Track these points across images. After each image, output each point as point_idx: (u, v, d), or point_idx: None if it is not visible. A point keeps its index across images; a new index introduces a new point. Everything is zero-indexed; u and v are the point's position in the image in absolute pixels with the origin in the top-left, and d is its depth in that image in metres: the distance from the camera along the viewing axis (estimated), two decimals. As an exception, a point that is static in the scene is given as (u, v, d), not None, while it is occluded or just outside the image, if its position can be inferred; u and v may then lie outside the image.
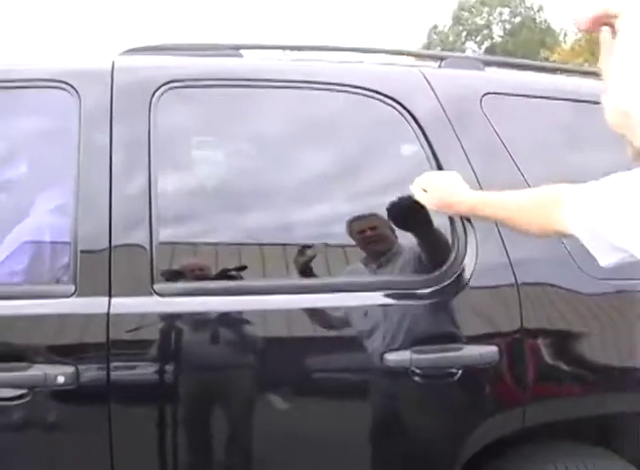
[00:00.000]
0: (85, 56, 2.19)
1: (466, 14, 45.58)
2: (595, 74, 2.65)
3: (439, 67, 2.21)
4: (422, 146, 1.98)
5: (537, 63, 2.63)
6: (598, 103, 2.13)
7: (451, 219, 1.94)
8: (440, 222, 1.96)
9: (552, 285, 1.95)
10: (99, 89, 1.92)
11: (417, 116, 1.99)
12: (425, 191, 1.85)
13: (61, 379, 1.72)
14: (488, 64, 2.32)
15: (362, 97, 2.01)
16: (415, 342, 1.86)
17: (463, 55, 2.48)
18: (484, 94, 2.06)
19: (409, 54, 2.38)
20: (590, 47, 31.55)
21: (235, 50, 2.13)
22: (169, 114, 1.93)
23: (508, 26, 45.64)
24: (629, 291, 2.00)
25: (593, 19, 1.04)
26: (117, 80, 1.94)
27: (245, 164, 2.05)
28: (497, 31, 46.32)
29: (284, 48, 2.33)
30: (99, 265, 1.79)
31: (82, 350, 1.78)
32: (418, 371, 1.83)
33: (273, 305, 1.85)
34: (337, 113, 2.05)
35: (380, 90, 2.01)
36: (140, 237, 1.82)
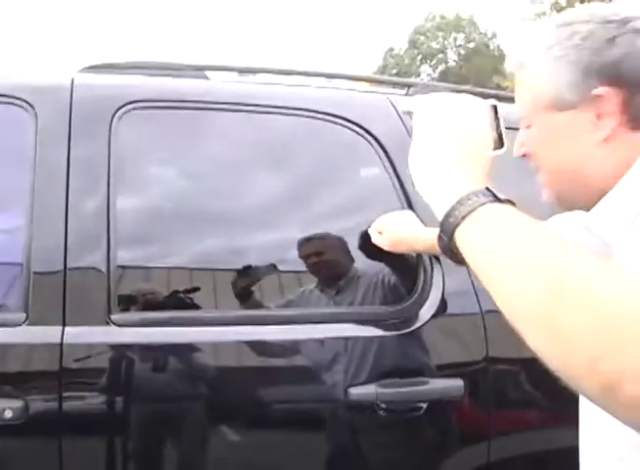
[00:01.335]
0: (43, 71, 2.11)
1: (421, 38, 46.33)
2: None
3: (407, 94, 2.19)
4: (387, 171, 1.96)
5: (498, 92, 2.63)
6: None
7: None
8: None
9: None
10: (57, 106, 1.85)
11: (383, 142, 1.97)
12: (380, 233, 1.86)
13: (8, 413, 1.63)
14: (455, 92, 2.31)
15: (329, 123, 1.98)
16: (380, 375, 1.82)
17: (431, 83, 2.47)
18: None
19: (374, 80, 2.36)
20: (542, 74, 32.30)
21: (200, 71, 2.08)
22: (130, 134, 1.87)
23: (462, 52, 46.53)
24: None
25: None
26: (77, 98, 1.87)
27: (205, 187, 1.99)
28: (452, 56, 47.21)
29: (249, 71, 2.29)
30: (52, 292, 1.71)
31: (32, 382, 1.70)
32: (383, 405, 1.79)
33: (233, 336, 1.80)
34: (300, 137, 2.02)
35: (346, 117, 1.98)
36: (97, 260, 1.75)
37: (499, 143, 0.92)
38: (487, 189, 0.79)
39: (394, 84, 2.37)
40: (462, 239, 0.78)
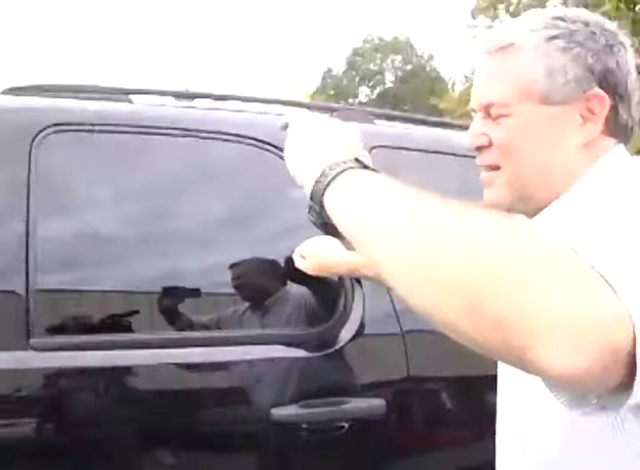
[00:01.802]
0: (-37, 94, 2.09)
1: (359, 59, 46.87)
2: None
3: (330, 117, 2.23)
4: None
5: (428, 118, 2.70)
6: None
7: None
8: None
9: (437, 332, 1.97)
10: None
11: None
12: (304, 258, 1.82)
13: None
14: (379, 116, 2.37)
15: (249, 146, 2.01)
16: (302, 395, 1.84)
17: (354, 107, 2.53)
18: (372, 147, 2.09)
19: (302, 105, 2.40)
20: (476, 96, 32.98)
21: (124, 95, 2.08)
22: (52, 157, 1.86)
23: (400, 73, 47.22)
24: None
25: None
26: None
27: (128, 211, 1.99)
28: (389, 77, 47.83)
29: (174, 94, 2.30)
30: None
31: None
32: (305, 426, 1.81)
33: (159, 359, 1.80)
34: (225, 162, 2.04)
35: (267, 140, 2.00)
36: (16, 285, 1.73)
37: None
38: (356, 159, 0.79)
39: (320, 109, 2.41)
40: (329, 204, 0.78)
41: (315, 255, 1.87)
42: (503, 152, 1.00)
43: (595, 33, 0.97)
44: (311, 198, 0.80)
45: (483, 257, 0.62)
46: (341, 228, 0.76)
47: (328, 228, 0.81)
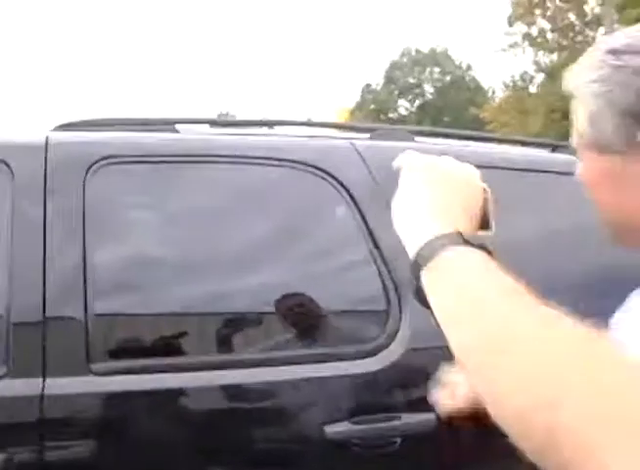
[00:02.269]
0: (18, 130, 2.18)
1: (398, 73, 46.90)
2: (519, 142, 2.78)
3: (370, 138, 2.27)
4: (353, 215, 2.02)
5: (464, 132, 2.72)
6: (522, 170, 2.25)
7: (385, 288, 1.97)
8: (374, 291, 1.99)
9: None
10: (33, 164, 1.92)
11: (349, 187, 2.04)
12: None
13: None
14: (418, 134, 2.40)
15: (295, 170, 2.06)
16: (354, 412, 1.87)
17: (393, 127, 2.56)
18: None
19: (340, 126, 2.44)
20: (517, 104, 32.76)
21: (170, 125, 2.16)
22: (104, 189, 1.94)
23: (439, 85, 47.09)
24: None
25: None
26: (51, 155, 1.94)
27: (179, 238, 2.06)
28: (428, 89, 47.73)
29: (217, 123, 2.37)
30: (32, 344, 1.76)
31: (15, 433, 1.74)
32: (358, 442, 1.84)
33: (214, 380, 1.84)
34: (270, 186, 2.10)
35: (312, 163, 2.06)
36: (75, 311, 1.80)
37: (486, 225, 0.84)
38: (459, 233, 0.73)
39: (358, 129, 2.45)
40: (425, 282, 0.74)
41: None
42: (585, 188, 0.95)
43: None
44: (410, 272, 0.76)
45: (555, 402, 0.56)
46: (434, 310, 0.72)
47: (427, 303, 0.75)
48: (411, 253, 0.77)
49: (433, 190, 0.81)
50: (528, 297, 0.64)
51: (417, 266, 0.74)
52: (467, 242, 0.72)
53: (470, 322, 0.66)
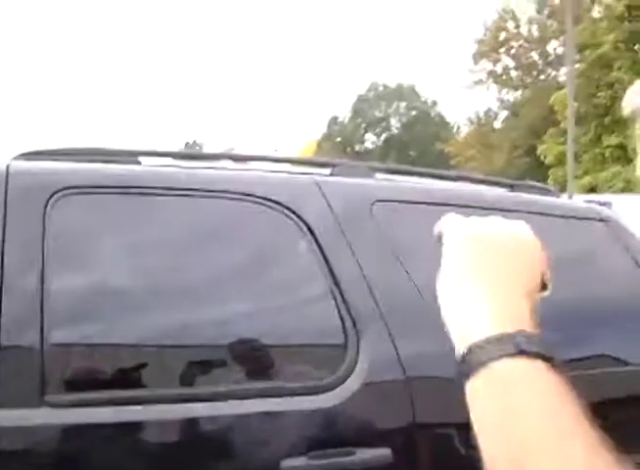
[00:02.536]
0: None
1: (365, 106, 47.44)
2: (481, 181, 2.84)
3: (331, 174, 2.31)
4: (313, 250, 2.04)
5: (425, 170, 2.77)
6: (484, 208, 2.30)
7: (343, 323, 1.98)
8: (332, 326, 2.00)
9: (442, 378, 2.02)
10: None
11: (309, 222, 2.06)
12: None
13: None
14: (378, 170, 2.44)
15: (256, 205, 2.07)
16: (311, 447, 1.87)
17: (353, 163, 2.60)
18: (375, 201, 2.16)
19: (302, 161, 2.48)
20: (482, 139, 33.31)
21: (133, 156, 2.16)
22: (65, 218, 1.93)
23: (405, 120, 47.70)
24: None
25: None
26: (12, 184, 1.93)
27: (140, 268, 2.05)
28: (394, 124, 48.32)
29: (181, 156, 2.39)
30: None
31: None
32: None
33: (172, 413, 1.83)
34: (230, 220, 2.12)
35: (272, 198, 2.08)
36: (31, 340, 1.78)
37: (542, 285, 0.77)
38: (514, 337, 0.65)
39: (319, 164, 2.48)
40: (468, 388, 0.67)
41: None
42: None
43: None
44: (455, 374, 0.69)
45: None
46: (472, 418, 0.66)
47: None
48: (458, 344, 0.69)
49: (485, 261, 0.73)
50: (574, 422, 0.60)
51: (461, 371, 0.67)
52: (522, 352, 0.64)
53: (500, 440, 0.63)
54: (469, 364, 0.66)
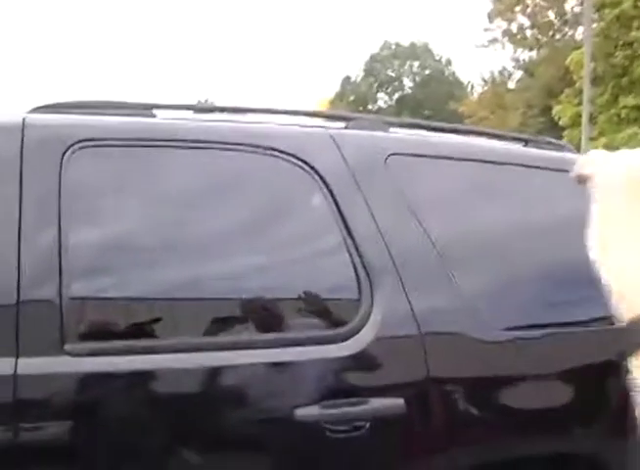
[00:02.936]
0: (-6, 111, 2.18)
1: (378, 66, 46.91)
2: (495, 135, 2.83)
3: (346, 127, 2.30)
4: (328, 203, 2.05)
5: (440, 124, 2.76)
6: (496, 163, 2.29)
7: (357, 275, 2.00)
8: (346, 277, 2.02)
9: (455, 334, 2.04)
10: (9, 145, 1.92)
11: (323, 174, 2.07)
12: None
13: None
14: (393, 124, 2.43)
15: (272, 157, 2.08)
16: (325, 396, 1.90)
17: (368, 116, 2.59)
18: (389, 154, 2.16)
19: (317, 115, 2.47)
20: (496, 100, 32.94)
21: (148, 109, 2.16)
22: (81, 171, 1.94)
23: (418, 79, 47.17)
24: (525, 338, 2.12)
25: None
26: (28, 137, 1.94)
27: (155, 221, 2.07)
28: (408, 83, 47.81)
29: (195, 108, 2.38)
30: (6, 323, 1.77)
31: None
32: (328, 425, 1.87)
33: (185, 362, 1.86)
34: (246, 172, 2.12)
35: (287, 150, 2.08)
36: (50, 293, 1.81)
37: None
38: None
39: (334, 118, 2.47)
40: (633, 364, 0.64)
41: None
42: None
43: None
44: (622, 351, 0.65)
45: None
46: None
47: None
48: (625, 310, 0.64)
49: None
50: None
51: (632, 339, 0.62)
52: None
53: None
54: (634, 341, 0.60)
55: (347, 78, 47.28)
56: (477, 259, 2.17)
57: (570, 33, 31.24)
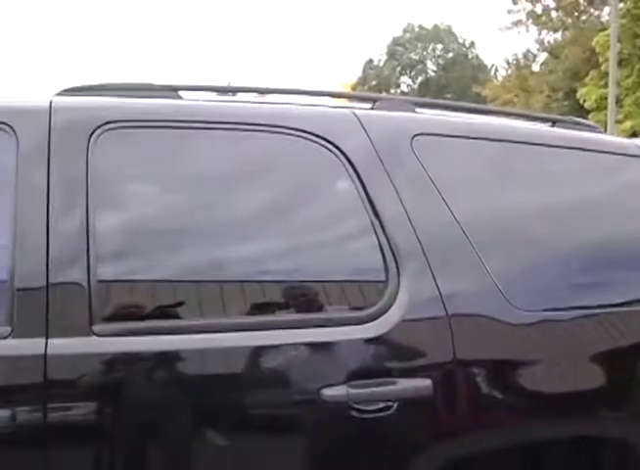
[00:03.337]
0: (22, 95, 2.19)
1: (400, 49, 46.62)
2: (522, 116, 2.80)
3: (372, 108, 2.29)
4: (354, 184, 2.04)
5: (466, 104, 2.74)
6: (524, 143, 2.27)
7: (384, 257, 1.99)
8: (374, 260, 2.01)
9: (482, 316, 2.03)
10: (36, 128, 1.93)
11: (350, 155, 2.06)
12: None
13: None
14: (420, 105, 2.42)
15: (298, 138, 2.07)
16: (352, 376, 1.90)
17: (395, 97, 2.57)
18: (415, 135, 2.15)
19: (343, 95, 2.45)
20: (520, 83, 32.61)
21: (174, 91, 2.16)
22: (107, 154, 1.95)
23: (441, 62, 46.83)
24: (552, 320, 2.10)
25: None
26: (55, 120, 1.95)
27: (182, 203, 2.07)
28: (431, 66, 47.49)
29: (221, 90, 2.38)
30: (36, 306, 1.78)
31: (19, 392, 1.77)
32: (355, 405, 1.87)
33: (211, 343, 1.87)
34: (271, 153, 2.12)
35: (314, 131, 2.07)
36: (78, 276, 1.82)
37: None
38: None
39: (360, 99, 2.46)
40: None
41: None
42: None
43: None
44: None
45: None
46: None
47: None
48: None
49: None
50: None
51: None
52: None
53: None
54: None
55: (370, 62, 47.06)
56: (503, 241, 2.15)
57: (595, 14, 30.77)
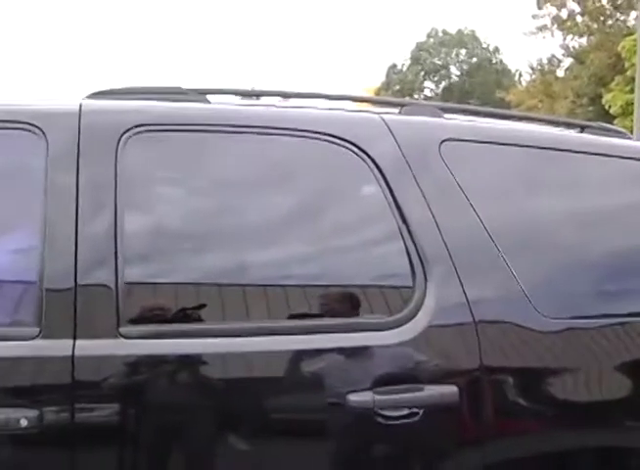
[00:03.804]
0: (52, 98, 2.21)
1: (424, 54, 46.51)
2: (552, 122, 2.78)
3: (400, 113, 2.28)
4: (382, 189, 2.04)
5: (494, 110, 2.72)
6: (552, 149, 2.25)
7: (411, 262, 1.99)
8: (401, 265, 2.01)
9: (509, 323, 2.02)
10: (66, 131, 1.95)
11: (377, 160, 2.06)
12: None
13: (24, 422, 1.72)
14: (447, 110, 2.41)
15: (325, 142, 2.07)
16: (378, 382, 1.89)
17: (422, 102, 2.57)
18: (443, 140, 2.14)
19: (370, 100, 2.46)
20: (545, 88, 32.40)
21: (202, 95, 2.18)
22: (136, 157, 1.96)
23: (465, 67, 46.66)
24: (579, 328, 2.08)
25: None
26: (85, 123, 1.97)
27: (209, 207, 2.08)
28: (455, 71, 47.33)
29: (249, 94, 2.39)
30: (64, 307, 1.80)
31: (47, 392, 1.78)
32: (380, 411, 1.87)
33: (237, 347, 1.88)
34: (299, 157, 2.12)
35: (342, 136, 2.07)
36: (106, 278, 1.83)
37: None
38: None
39: (388, 104, 2.45)
40: None
41: None
42: None
43: None
44: None
45: None
46: None
47: None
48: None
49: None
50: None
51: None
52: None
53: None
54: None
55: (393, 67, 46.97)
56: (530, 247, 2.14)
57: (621, 19, 30.51)
